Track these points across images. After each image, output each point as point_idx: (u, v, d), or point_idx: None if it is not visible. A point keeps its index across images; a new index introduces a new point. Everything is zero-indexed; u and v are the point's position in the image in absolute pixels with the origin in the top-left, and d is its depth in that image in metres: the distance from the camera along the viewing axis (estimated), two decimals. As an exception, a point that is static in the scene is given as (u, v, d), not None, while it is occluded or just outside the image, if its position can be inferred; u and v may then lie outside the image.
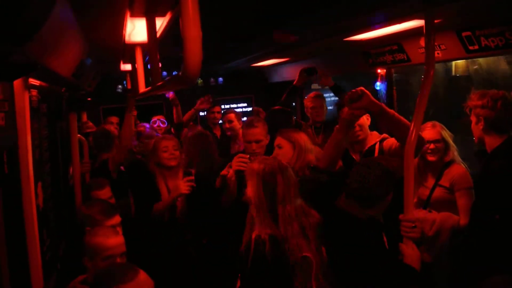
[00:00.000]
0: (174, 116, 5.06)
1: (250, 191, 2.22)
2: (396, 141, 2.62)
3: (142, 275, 1.67)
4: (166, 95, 5.26)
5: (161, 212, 3.18)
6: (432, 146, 2.98)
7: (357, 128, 2.89)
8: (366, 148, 2.94)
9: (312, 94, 4.41)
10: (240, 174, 2.82)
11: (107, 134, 4.07)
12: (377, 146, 2.89)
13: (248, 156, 2.86)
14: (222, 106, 6.70)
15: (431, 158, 3.00)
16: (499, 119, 2.50)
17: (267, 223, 2.11)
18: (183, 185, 3.08)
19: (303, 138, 2.87)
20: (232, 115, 4.81)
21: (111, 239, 2.08)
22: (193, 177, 3.10)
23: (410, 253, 2.04)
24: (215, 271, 3.23)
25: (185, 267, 3.25)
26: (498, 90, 2.56)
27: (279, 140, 2.88)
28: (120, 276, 1.61)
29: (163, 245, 3.22)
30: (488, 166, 2.54)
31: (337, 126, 2.46)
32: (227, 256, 3.04)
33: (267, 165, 2.21)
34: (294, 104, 6.46)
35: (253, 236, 2.09)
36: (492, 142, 2.56)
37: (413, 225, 2.03)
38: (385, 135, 2.92)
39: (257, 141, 3.03)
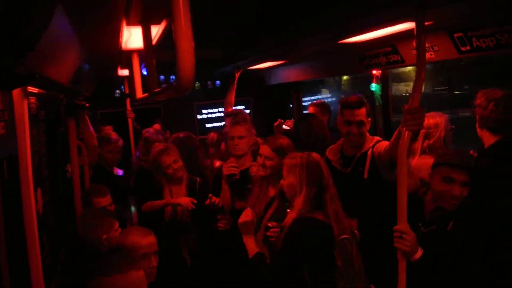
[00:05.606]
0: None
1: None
2: (385, 145, 2.56)
3: (140, 272, 1.71)
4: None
5: (152, 209, 3.32)
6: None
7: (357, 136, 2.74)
8: (361, 152, 2.76)
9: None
10: (231, 179, 2.88)
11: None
12: (369, 152, 2.71)
13: (235, 160, 2.93)
14: (221, 109, 6.70)
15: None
16: (490, 119, 2.56)
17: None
18: (187, 202, 3.17)
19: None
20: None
21: (145, 238, 2.19)
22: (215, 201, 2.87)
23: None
24: (208, 274, 3.27)
25: (179, 270, 3.28)
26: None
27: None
28: (117, 266, 1.67)
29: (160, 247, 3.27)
30: (479, 162, 2.56)
31: None
32: (220, 260, 3.09)
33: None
34: (291, 105, 6.49)
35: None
36: (486, 139, 2.62)
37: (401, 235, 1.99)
38: (377, 138, 2.80)
39: (240, 137, 3.02)
